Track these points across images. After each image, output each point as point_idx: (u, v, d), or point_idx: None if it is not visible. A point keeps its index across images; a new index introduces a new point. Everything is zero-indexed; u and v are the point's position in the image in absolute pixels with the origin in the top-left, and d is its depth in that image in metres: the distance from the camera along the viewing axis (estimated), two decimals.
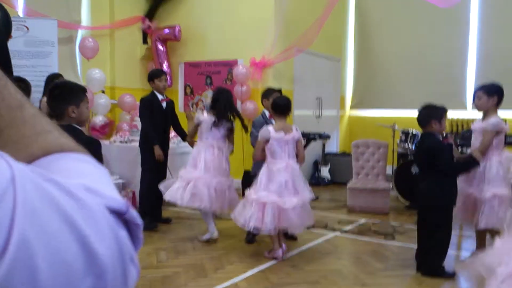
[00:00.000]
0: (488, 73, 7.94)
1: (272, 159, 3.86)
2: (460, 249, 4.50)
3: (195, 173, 4.36)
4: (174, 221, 5.21)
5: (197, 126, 4.51)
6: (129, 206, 0.42)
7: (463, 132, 5.70)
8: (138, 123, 6.12)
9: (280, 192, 3.77)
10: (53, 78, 5.48)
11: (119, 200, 0.42)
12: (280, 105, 3.91)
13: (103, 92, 7.01)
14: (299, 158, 3.96)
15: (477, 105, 3.81)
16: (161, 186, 4.63)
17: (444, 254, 3.65)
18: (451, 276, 3.59)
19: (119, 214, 0.41)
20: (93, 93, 6.62)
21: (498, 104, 3.75)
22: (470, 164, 3.65)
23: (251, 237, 4.42)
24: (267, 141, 3.85)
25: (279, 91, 4.53)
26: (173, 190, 4.40)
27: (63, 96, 2.45)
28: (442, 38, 8.51)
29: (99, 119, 6.76)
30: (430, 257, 3.64)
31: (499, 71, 7.73)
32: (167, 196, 4.44)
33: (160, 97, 5.00)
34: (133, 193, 5.62)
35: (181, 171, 4.52)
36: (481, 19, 8.27)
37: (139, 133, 5.97)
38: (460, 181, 3.74)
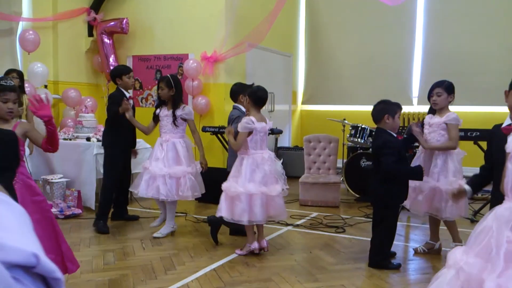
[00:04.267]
0: (433, 71, 8.23)
1: (255, 150, 3.87)
2: (408, 240, 4.63)
3: (160, 166, 4.34)
4: (125, 223, 5.06)
5: (156, 121, 4.53)
6: (41, 258, 0.34)
7: (409, 126, 5.85)
8: (83, 119, 5.88)
9: (265, 181, 3.84)
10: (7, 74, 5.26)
11: (25, 252, 0.34)
12: (263, 98, 3.96)
13: (45, 86, 6.67)
14: None
15: (436, 102, 3.88)
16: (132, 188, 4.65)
17: (388, 247, 3.74)
18: (397, 267, 3.68)
19: (27, 268, 0.34)
20: (35, 88, 6.29)
21: (451, 102, 3.94)
22: (413, 175, 3.62)
23: (215, 235, 4.32)
24: (250, 132, 3.84)
25: (252, 86, 4.44)
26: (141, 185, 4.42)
27: None
28: (390, 37, 8.74)
29: None
30: (375, 250, 3.72)
31: (444, 68, 8.02)
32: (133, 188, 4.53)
33: (127, 94, 4.84)
34: (79, 192, 5.40)
35: (145, 164, 4.49)
36: (427, 18, 8.55)
37: (84, 129, 5.75)
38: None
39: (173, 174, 4.32)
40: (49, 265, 0.35)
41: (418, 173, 3.57)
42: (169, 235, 4.52)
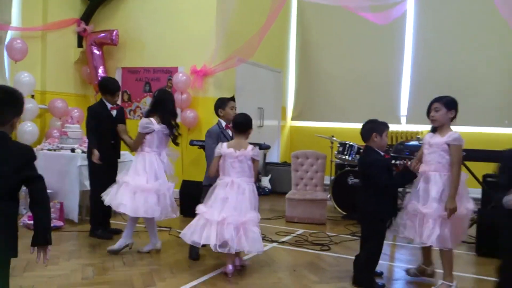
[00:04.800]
0: (422, 89, 8.29)
1: (223, 175, 3.85)
2: (394, 260, 4.59)
3: (141, 180, 4.21)
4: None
5: (146, 134, 4.29)
6: None
7: (397, 145, 5.85)
8: (68, 130, 5.80)
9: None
10: None
11: None
12: (239, 123, 3.92)
13: (32, 96, 6.59)
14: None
15: (433, 117, 3.61)
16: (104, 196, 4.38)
17: (373, 265, 3.69)
18: (381, 287, 3.62)
19: None
20: None
21: (453, 119, 3.63)
22: (406, 176, 3.65)
23: (196, 253, 4.24)
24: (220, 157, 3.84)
25: (232, 99, 4.40)
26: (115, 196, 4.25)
27: (13, 104, 2.26)
28: (380, 55, 8.81)
29: (27, 125, 6.34)
30: (360, 268, 3.67)
31: (432, 88, 8.06)
32: (107, 201, 4.27)
33: (109, 105, 4.80)
34: (61, 204, 5.29)
35: (125, 177, 4.29)
36: (416, 37, 8.65)
37: (69, 140, 5.67)
38: (414, 198, 3.67)
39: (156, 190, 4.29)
40: None
41: (408, 175, 3.61)
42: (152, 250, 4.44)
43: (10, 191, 2.23)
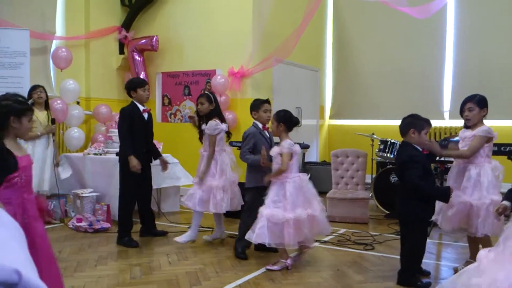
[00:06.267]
0: (465, 84, 8.04)
1: (292, 173, 3.93)
2: (440, 258, 4.48)
3: (215, 180, 4.60)
4: (153, 238, 5.09)
5: (217, 135, 4.63)
6: (24, 275, 0.32)
7: (441, 141, 5.69)
8: (113, 134, 5.99)
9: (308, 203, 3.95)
10: (32, 90, 5.48)
11: (5, 269, 0.32)
12: (295, 122, 4.06)
13: (78, 103, 6.85)
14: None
15: (468, 117, 3.79)
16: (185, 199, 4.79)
17: (417, 264, 3.61)
18: (426, 286, 3.54)
19: (9, 285, 0.32)
20: (67, 104, 6.47)
21: (484, 116, 3.81)
22: (439, 195, 3.50)
23: (244, 252, 4.31)
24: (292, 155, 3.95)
25: (267, 101, 4.44)
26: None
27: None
28: (420, 49, 8.60)
29: (73, 131, 6.60)
30: (403, 267, 3.60)
31: (475, 81, 7.84)
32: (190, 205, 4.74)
33: (141, 107, 4.84)
34: (108, 207, 5.47)
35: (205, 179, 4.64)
36: (457, 30, 8.39)
37: (114, 144, 5.85)
38: (454, 189, 3.65)
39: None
40: (35, 282, 0.33)
41: (444, 194, 3.45)
42: (195, 248, 4.54)
43: None
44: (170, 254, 4.40)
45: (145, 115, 4.86)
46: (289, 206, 3.80)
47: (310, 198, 3.94)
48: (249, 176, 4.32)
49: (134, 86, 4.79)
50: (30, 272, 0.33)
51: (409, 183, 3.43)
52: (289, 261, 3.97)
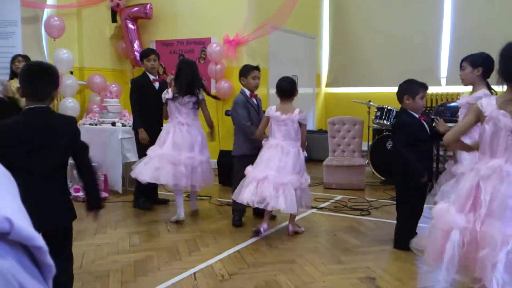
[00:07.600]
0: (462, 50, 7.93)
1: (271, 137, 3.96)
2: None
3: (160, 150, 4.30)
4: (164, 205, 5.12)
5: (165, 105, 4.40)
6: (15, 223, 0.31)
7: (438, 107, 5.70)
8: (108, 104, 5.94)
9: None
10: (14, 59, 5.25)
11: None
12: (284, 90, 3.95)
13: (71, 73, 6.77)
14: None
15: (460, 76, 3.52)
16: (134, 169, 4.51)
17: (413, 228, 3.63)
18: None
19: (1, 234, 0.30)
20: (61, 74, 6.38)
21: (485, 77, 3.40)
22: (414, 169, 3.39)
23: (239, 219, 4.33)
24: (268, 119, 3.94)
25: (256, 68, 4.38)
26: (138, 167, 4.39)
27: (53, 79, 2.31)
28: (417, 15, 8.48)
29: (68, 101, 6.54)
30: (400, 231, 3.65)
31: (473, 48, 7.72)
32: (132, 173, 4.44)
33: (151, 77, 4.81)
34: (105, 176, 5.48)
35: (148, 150, 4.43)
36: None
37: (109, 114, 5.81)
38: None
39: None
40: (27, 232, 0.31)
41: (418, 173, 3.37)
42: (194, 217, 4.57)
43: (63, 162, 2.35)
44: (169, 223, 4.44)
45: (156, 85, 4.84)
46: (254, 166, 3.92)
47: (281, 167, 3.86)
48: (237, 145, 4.31)
49: (140, 56, 4.92)
50: (22, 220, 0.31)
51: (393, 147, 3.46)
52: (264, 225, 3.96)
